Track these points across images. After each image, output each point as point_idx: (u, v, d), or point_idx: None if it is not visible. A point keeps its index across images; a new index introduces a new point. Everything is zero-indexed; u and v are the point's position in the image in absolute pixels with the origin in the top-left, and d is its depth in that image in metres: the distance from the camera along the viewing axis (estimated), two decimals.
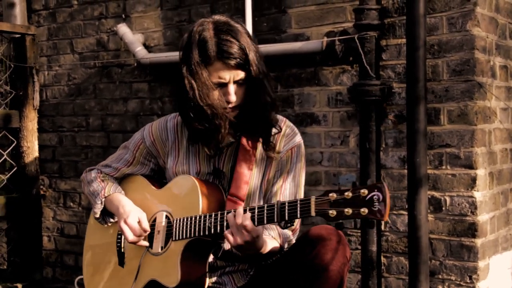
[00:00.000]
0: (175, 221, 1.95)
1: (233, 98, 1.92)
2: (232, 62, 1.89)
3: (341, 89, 2.91)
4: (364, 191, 1.62)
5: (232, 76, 1.91)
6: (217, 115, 1.91)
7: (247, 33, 1.96)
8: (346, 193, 1.64)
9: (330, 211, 1.65)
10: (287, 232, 2.04)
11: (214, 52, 1.88)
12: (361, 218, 1.62)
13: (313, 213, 1.69)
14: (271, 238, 1.97)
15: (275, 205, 1.77)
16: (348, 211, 1.63)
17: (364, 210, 1.61)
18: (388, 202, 1.60)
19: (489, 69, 2.73)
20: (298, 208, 1.72)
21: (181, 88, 1.94)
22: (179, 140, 2.08)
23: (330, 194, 1.66)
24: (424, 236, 2.60)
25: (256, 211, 1.80)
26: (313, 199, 1.70)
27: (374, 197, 1.61)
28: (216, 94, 1.91)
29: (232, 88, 1.92)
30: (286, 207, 1.75)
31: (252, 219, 1.79)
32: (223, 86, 1.93)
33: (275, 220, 1.76)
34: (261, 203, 2.05)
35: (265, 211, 1.78)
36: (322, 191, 2.92)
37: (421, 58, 2.58)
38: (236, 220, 1.79)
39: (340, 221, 1.67)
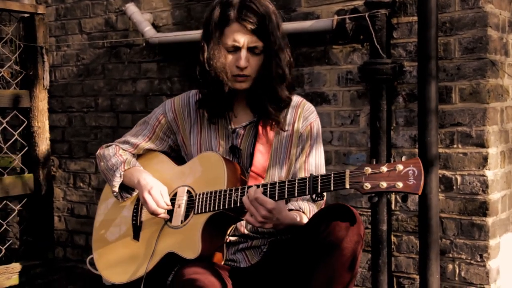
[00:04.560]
0: (197, 195, 1.96)
1: (243, 63, 1.94)
2: (249, 26, 1.93)
3: (351, 68, 2.89)
4: (400, 166, 1.65)
5: (246, 40, 1.94)
6: (220, 80, 1.95)
7: (273, 9, 2.01)
8: (381, 168, 1.67)
9: (365, 184, 1.68)
10: (314, 207, 2.06)
11: (235, 13, 1.94)
12: (395, 192, 1.65)
13: (347, 186, 1.71)
14: (299, 212, 1.99)
15: (307, 179, 1.78)
16: (383, 184, 1.66)
17: (399, 184, 1.64)
18: (422, 177, 1.63)
19: (502, 47, 2.70)
20: (332, 181, 1.74)
21: (198, 53, 2.00)
22: (201, 118, 2.10)
23: (365, 168, 1.69)
24: (435, 215, 2.60)
25: (287, 184, 1.81)
26: (347, 171, 1.72)
27: (409, 171, 1.64)
28: (225, 58, 1.95)
29: (244, 53, 1.95)
30: (319, 180, 1.76)
31: (282, 192, 1.81)
32: (237, 50, 1.96)
33: (307, 193, 1.78)
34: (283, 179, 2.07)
35: (296, 184, 1.80)
36: (332, 170, 2.93)
37: (432, 36, 2.56)
38: (249, 197, 1.81)
39: (373, 194, 1.68)
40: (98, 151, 2.25)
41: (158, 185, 2.03)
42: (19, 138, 3.21)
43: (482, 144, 2.60)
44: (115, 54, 3.70)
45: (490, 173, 2.61)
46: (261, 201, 1.81)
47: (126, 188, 2.15)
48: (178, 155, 2.17)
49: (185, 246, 1.94)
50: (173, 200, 2.04)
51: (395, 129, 2.80)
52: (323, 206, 2.09)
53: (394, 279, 2.83)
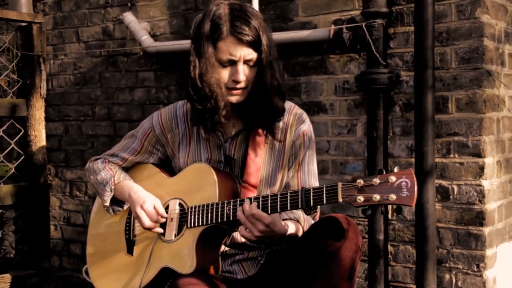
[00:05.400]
0: (189, 209, 1.94)
1: (241, 77, 1.89)
2: (245, 38, 1.86)
3: (348, 77, 2.90)
4: (392, 178, 1.62)
5: (243, 54, 1.88)
6: (215, 95, 1.89)
7: (263, 18, 1.96)
8: (374, 180, 1.64)
9: (358, 197, 1.65)
10: (310, 217, 2.04)
11: (228, 26, 1.87)
12: (388, 204, 1.62)
13: (340, 199, 1.68)
14: (295, 221, 1.98)
15: (299, 192, 1.76)
16: (376, 197, 1.63)
17: (392, 197, 1.61)
18: (416, 189, 1.60)
19: (498, 57, 2.72)
20: (324, 194, 1.71)
21: (188, 66, 1.94)
22: (190, 129, 2.06)
23: (358, 181, 1.65)
24: (432, 225, 2.60)
25: (279, 197, 1.79)
26: (340, 185, 1.69)
27: (402, 183, 1.61)
28: (218, 73, 1.90)
29: (241, 67, 1.89)
30: (311, 193, 1.74)
31: (274, 206, 1.79)
32: (232, 64, 1.90)
33: (300, 206, 1.76)
34: (276, 188, 2.05)
35: (289, 198, 1.78)
36: (329, 180, 2.95)
37: (429, 46, 2.57)
38: (245, 212, 1.79)
39: (367, 207, 1.66)
40: (88, 164, 2.21)
41: (150, 199, 2.01)
42: (15, 147, 3.21)
43: (479, 154, 2.61)
44: (112, 62, 3.70)
45: (486, 183, 2.61)
46: (258, 216, 1.79)
47: (117, 202, 2.12)
48: (168, 167, 2.14)
49: (179, 261, 1.92)
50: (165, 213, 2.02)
51: (391, 138, 2.80)
52: (318, 215, 2.08)
53: None
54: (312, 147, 2.10)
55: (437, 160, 2.67)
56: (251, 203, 1.81)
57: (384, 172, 1.66)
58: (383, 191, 1.62)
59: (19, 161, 3.20)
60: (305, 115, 2.08)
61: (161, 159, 2.14)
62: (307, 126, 2.07)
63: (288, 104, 2.07)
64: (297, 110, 2.07)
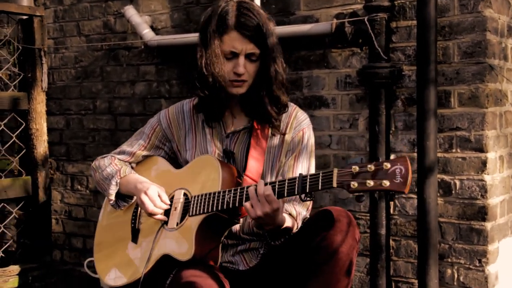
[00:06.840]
0: (192, 198, 1.98)
1: (241, 69, 1.99)
2: (247, 34, 1.98)
3: (350, 71, 2.89)
4: (387, 164, 1.64)
5: (244, 48, 1.99)
6: (218, 85, 1.99)
7: (268, 17, 2.06)
8: (369, 166, 1.66)
9: (352, 183, 1.67)
10: (303, 210, 2.06)
11: (233, 22, 1.99)
12: (382, 191, 1.63)
13: (334, 185, 1.70)
14: (288, 215, 1.99)
15: (297, 178, 1.79)
16: (370, 183, 1.65)
17: (386, 183, 1.62)
18: (410, 176, 1.62)
19: (500, 51, 2.70)
20: (320, 180, 1.73)
21: (194, 57, 2.05)
22: (195, 123, 2.14)
23: (353, 167, 1.68)
24: (434, 220, 2.59)
25: (277, 184, 1.82)
26: (335, 170, 1.72)
27: (397, 170, 1.63)
28: (222, 64, 1.99)
29: (242, 60, 2.00)
30: (308, 179, 1.76)
31: (273, 191, 1.81)
32: (234, 57, 2.00)
33: (296, 193, 1.78)
34: None
35: (286, 184, 1.80)
36: None
37: (431, 40, 2.56)
38: (258, 191, 1.81)
39: (361, 193, 1.68)
40: (94, 162, 2.27)
41: (155, 186, 2.04)
42: (17, 141, 3.20)
43: (481, 149, 2.60)
44: (114, 56, 3.69)
45: (488, 178, 2.60)
46: (270, 199, 1.80)
47: (122, 197, 2.16)
48: (175, 163, 2.18)
49: (179, 248, 1.95)
50: (170, 203, 2.05)
51: (394, 133, 2.79)
52: (310, 207, 2.09)
53: (393, 284, 2.82)
54: (310, 145, 2.13)
55: (439, 154, 2.67)
56: (255, 188, 1.82)
57: (380, 160, 1.67)
58: (377, 177, 1.64)
59: (20, 154, 3.20)
60: (306, 116, 2.16)
61: (168, 154, 2.20)
62: (307, 125, 2.14)
63: (291, 105, 2.15)
64: (299, 110, 2.15)
